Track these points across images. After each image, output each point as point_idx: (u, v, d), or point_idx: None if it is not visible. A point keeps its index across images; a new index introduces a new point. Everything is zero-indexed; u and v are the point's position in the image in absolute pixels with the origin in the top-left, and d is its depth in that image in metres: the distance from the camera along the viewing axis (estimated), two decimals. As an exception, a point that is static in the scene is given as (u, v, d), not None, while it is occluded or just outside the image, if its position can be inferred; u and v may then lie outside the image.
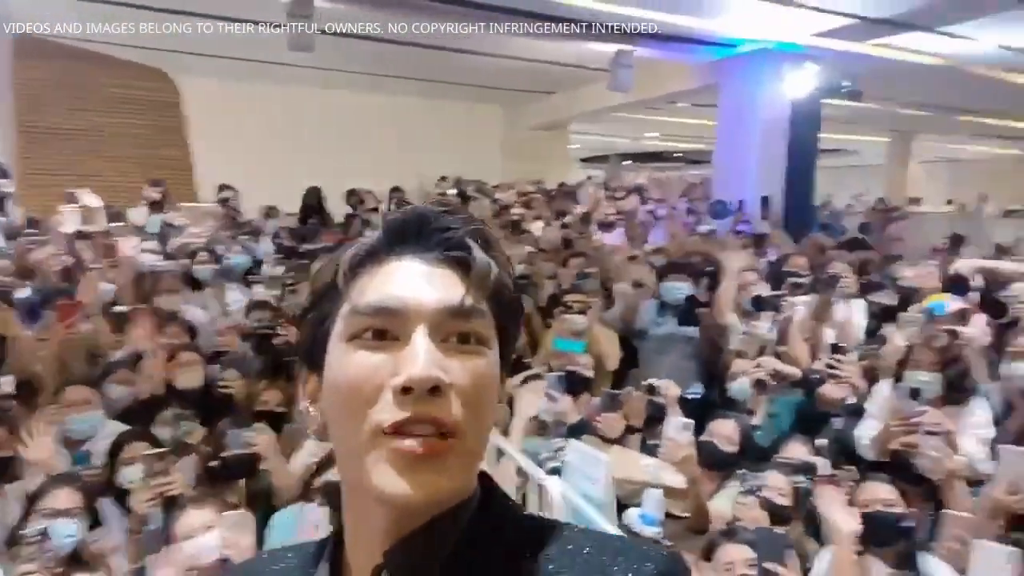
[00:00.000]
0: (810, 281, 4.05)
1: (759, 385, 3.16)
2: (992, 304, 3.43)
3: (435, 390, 0.49)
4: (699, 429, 2.65)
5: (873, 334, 3.70)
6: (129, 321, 3.42)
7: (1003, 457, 2.30)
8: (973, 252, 5.27)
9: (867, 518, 2.11)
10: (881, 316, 3.74)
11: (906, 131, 13.63)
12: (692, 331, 3.66)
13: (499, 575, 0.53)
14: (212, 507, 2.02)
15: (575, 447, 2.51)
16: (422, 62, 8.01)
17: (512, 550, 0.54)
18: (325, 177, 6.74)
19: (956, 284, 3.71)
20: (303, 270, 4.73)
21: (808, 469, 2.37)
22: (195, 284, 4.33)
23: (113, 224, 5.03)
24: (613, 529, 2.08)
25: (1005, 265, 3.84)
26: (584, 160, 17.49)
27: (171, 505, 2.16)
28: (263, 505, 2.52)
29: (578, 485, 2.36)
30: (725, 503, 2.45)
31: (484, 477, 0.57)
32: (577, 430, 2.85)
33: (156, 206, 5.63)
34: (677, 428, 2.50)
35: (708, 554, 2.02)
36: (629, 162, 17.94)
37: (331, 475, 2.40)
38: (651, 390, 3.02)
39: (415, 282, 0.53)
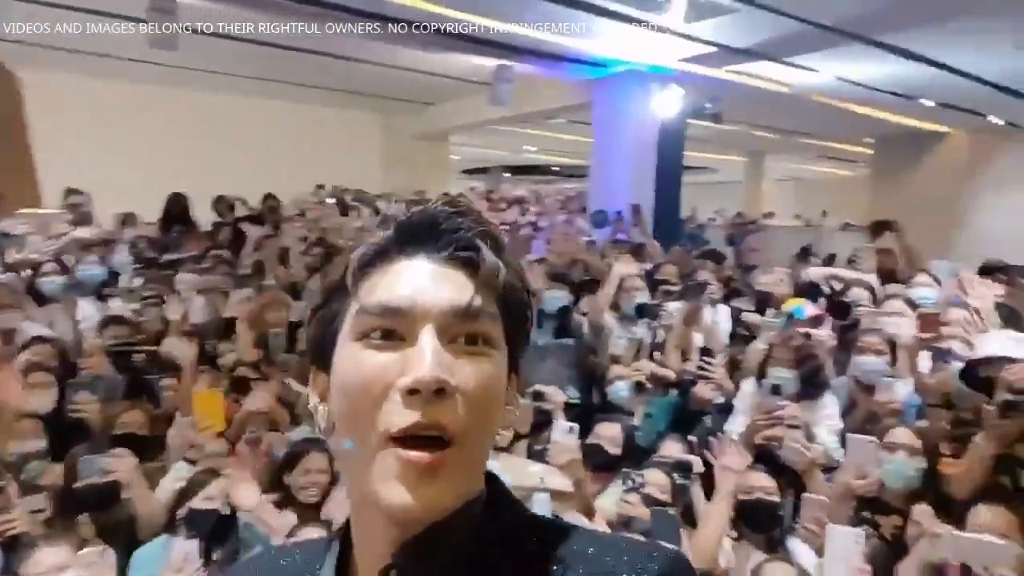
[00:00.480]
0: (680, 288, 4.29)
1: (638, 387, 3.31)
2: (837, 307, 3.79)
3: (440, 392, 0.50)
4: (581, 433, 2.72)
5: (735, 337, 3.98)
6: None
7: (850, 446, 2.55)
8: (817, 261, 5.81)
9: (748, 505, 2.26)
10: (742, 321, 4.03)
11: (759, 152, 14.92)
12: (568, 340, 3.76)
13: (506, 574, 0.54)
14: (66, 544, 1.83)
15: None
16: (297, 66, 7.76)
17: (519, 549, 0.55)
18: (191, 183, 6.30)
19: (810, 290, 4.07)
20: (165, 282, 4.41)
21: (685, 467, 2.51)
22: (39, 299, 3.92)
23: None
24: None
25: (846, 273, 4.27)
26: (465, 171, 17.63)
27: (14, 544, 1.93)
28: (125, 538, 2.30)
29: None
30: (610, 502, 2.52)
31: (491, 477, 0.58)
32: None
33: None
34: (564, 432, 2.55)
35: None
36: (509, 175, 18.28)
37: (198, 502, 2.24)
38: (538, 396, 3.07)
39: (424, 282, 0.53)
